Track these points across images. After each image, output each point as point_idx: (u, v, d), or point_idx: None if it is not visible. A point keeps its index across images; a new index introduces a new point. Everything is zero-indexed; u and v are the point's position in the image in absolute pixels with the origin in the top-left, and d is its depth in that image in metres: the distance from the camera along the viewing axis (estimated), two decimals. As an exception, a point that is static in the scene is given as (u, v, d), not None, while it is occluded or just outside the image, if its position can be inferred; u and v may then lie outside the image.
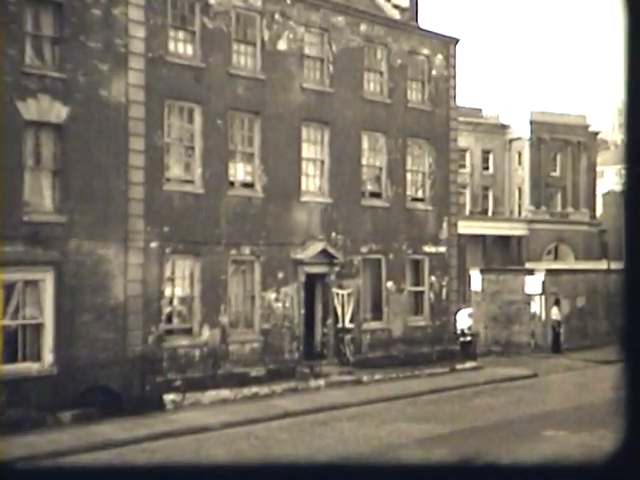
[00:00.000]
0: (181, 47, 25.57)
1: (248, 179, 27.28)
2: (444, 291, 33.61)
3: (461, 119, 44.72)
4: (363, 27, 30.89)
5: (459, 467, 3.77)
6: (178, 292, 25.22)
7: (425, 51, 33.26)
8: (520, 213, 69.09)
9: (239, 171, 27.12)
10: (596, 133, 75.30)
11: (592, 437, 18.21)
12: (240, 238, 26.53)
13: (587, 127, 72.36)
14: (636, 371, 3.69)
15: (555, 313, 37.95)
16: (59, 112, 21.84)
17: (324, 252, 28.80)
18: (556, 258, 67.80)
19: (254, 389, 24.76)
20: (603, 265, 53.90)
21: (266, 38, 27.54)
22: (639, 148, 3.65)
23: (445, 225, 33.80)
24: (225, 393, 24.05)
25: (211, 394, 23.72)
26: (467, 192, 65.92)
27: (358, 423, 20.55)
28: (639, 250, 3.67)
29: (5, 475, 3.71)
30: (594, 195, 72.86)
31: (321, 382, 26.51)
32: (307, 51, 29.07)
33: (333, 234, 29.38)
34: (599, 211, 73.86)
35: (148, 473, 3.72)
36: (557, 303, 38.14)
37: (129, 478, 3.70)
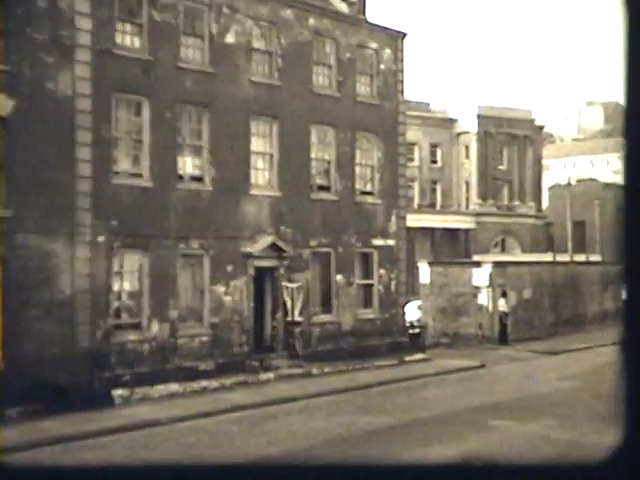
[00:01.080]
0: (129, 40, 25.37)
1: (197, 172, 27.19)
2: (393, 284, 33.86)
3: (409, 113, 45.02)
4: (312, 21, 30.94)
5: (459, 467, 3.79)
6: (126, 286, 25.08)
7: (373, 45, 33.42)
8: (468, 206, 69.78)
9: (188, 164, 27.02)
10: (541, 127, 76.29)
11: (538, 426, 18.56)
12: (189, 232, 26.44)
13: (533, 121, 73.30)
14: (635, 371, 3.72)
15: (502, 305, 38.47)
16: (4, 105, 21.53)
17: (273, 246, 28.84)
18: (503, 251, 68.64)
19: (203, 383, 24.73)
20: (549, 257, 54.77)
21: (214, 31, 27.45)
22: (639, 148, 3.66)
23: (394, 218, 34.04)
24: (174, 387, 23.98)
25: (160, 388, 23.64)
26: (416, 186, 66.39)
27: (307, 416, 20.66)
28: (638, 250, 3.66)
29: (5, 475, 3.70)
30: (540, 188, 73.86)
31: (270, 375, 26.57)
32: (255, 44, 29.04)
33: (282, 228, 29.43)
34: (545, 204, 74.89)
35: (148, 473, 3.73)
36: (504, 295, 38.66)
37: (129, 478, 3.70)
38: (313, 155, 31.15)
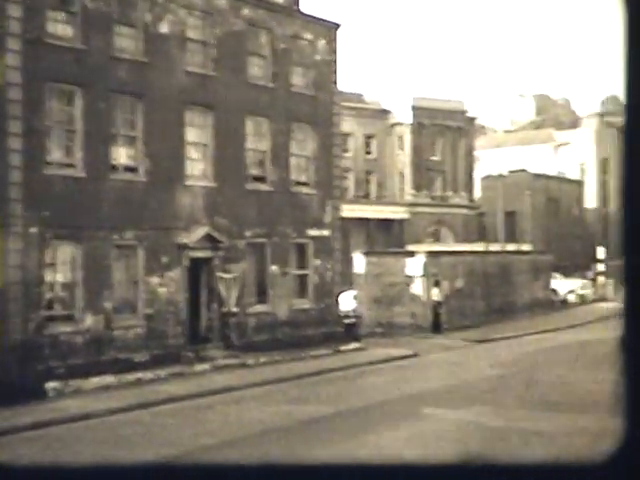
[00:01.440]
0: (61, 28, 25.02)
1: (131, 163, 26.99)
2: (328, 274, 34.08)
3: (344, 104, 45.26)
4: (246, 11, 30.88)
5: (459, 467, 3.77)
6: (59, 278, 24.81)
7: (308, 36, 33.51)
8: (402, 197, 70.39)
9: (122, 155, 26.80)
10: (473, 118, 77.27)
11: (469, 413, 18.93)
12: (123, 223, 26.25)
13: (465, 112, 74.19)
14: (635, 371, 3.74)
15: (435, 294, 38.98)
16: None
17: (208, 236, 28.79)
18: (436, 240, 69.42)
19: (138, 375, 24.60)
20: (481, 247, 55.58)
21: (148, 21, 27.24)
22: (638, 149, 3.66)
23: (329, 209, 34.24)
24: (109, 379, 23.81)
25: (94, 381, 23.45)
26: (351, 176, 66.74)
27: (243, 406, 20.74)
28: (638, 251, 3.67)
29: (5, 475, 3.69)
30: (472, 179, 74.87)
31: (206, 366, 26.57)
32: (190, 34, 28.89)
33: (217, 218, 29.38)
34: (477, 194, 75.94)
35: (148, 473, 3.76)
36: (437, 284, 39.17)
37: (129, 478, 3.72)
38: (248, 146, 31.14)
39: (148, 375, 24.67)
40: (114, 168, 26.31)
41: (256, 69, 31.63)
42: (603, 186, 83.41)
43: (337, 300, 35.04)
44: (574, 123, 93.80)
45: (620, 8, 3.56)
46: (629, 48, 3.58)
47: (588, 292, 59.04)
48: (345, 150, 60.33)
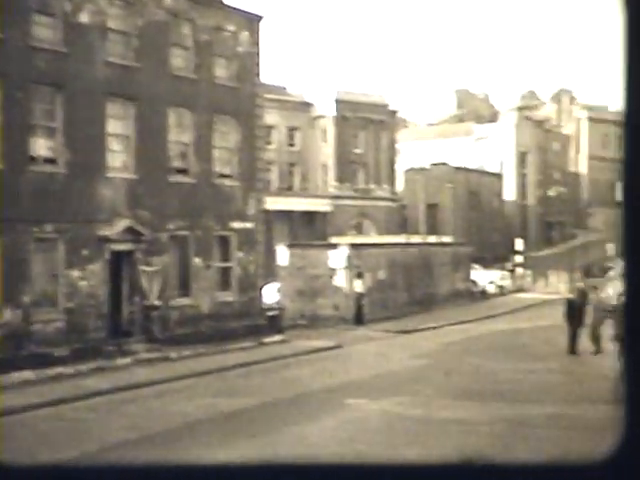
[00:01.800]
0: (-24, 16, 24.46)
1: (51, 155, 26.56)
2: (251, 266, 34.10)
3: (267, 96, 45.22)
4: (168, 1, 30.64)
5: (459, 467, 3.74)
6: (-24, 272, 24.28)
7: (231, 27, 33.40)
8: (325, 189, 70.70)
9: (41, 146, 26.35)
10: (395, 112, 77.97)
11: (392, 403, 19.21)
12: (43, 215, 25.83)
13: (387, 106, 74.81)
14: (636, 371, 3.75)
15: (358, 286, 39.32)
16: None
17: (130, 229, 28.54)
18: (359, 233, 69.94)
19: (59, 369, 24.24)
20: (403, 239, 56.19)
21: (68, 10, 26.80)
22: (638, 150, 3.65)
23: (252, 201, 34.24)
24: (28, 374, 23.41)
25: (13, 376, 23.03)
26: (274, 169, 66.76)
27: (166, 400, 20.67)
28: (638, 250, 3.66)
29: (5, 475, 3.63)
30: (394, 172, 75.61)
31: (128, 360, 26.34)
32: (111, 24, 28.53)
33: (139, 211, 29.13)
34: (400, 187, 76.74)
35: (148, 473, 3.73)
36: (360, 276, 39.52)
37: (129, 478, 3.69)
38: (171, 138, 30.93)
39: (69, 370, 24.33)
40: (33, 160, 25.86)
41: (178, 60, 31.41)
42: (521, 179, 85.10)
43: (261, 292, 35.08)
44: (494, 117, 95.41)
45: (620, 8, 3.56)
46: (629, 48, 3.57)
47: (507, 283, 60.26)
48: (268, 142, 60.31)
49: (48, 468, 3.93)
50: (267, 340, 31.73)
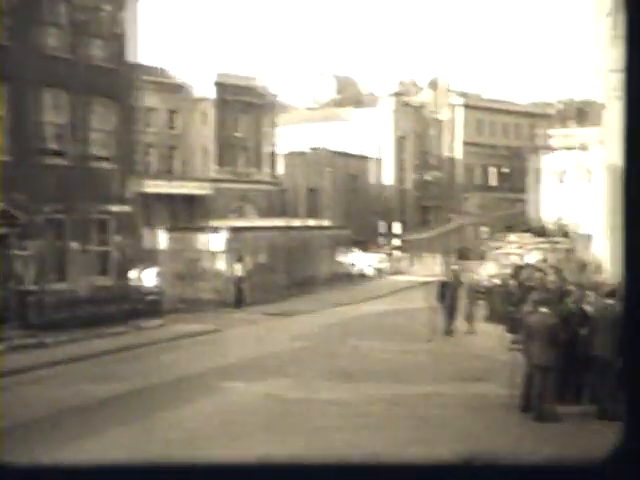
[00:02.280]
0: None
1: None
2: (130, 250, 33.69)
3: (147, 78, 44.64)
4: (43, -21, 29.84)
5: (459, 467, 3.75)
6: None
7: (108, 7, 32.81)
8: (206, 173, 70.30)
9: None
10: (276, 95, 78.12)
11: (270, 386, 19.42)
12: None
13: (267, 89, 74.85)
14: (635, 371, 3.79)
15: (238, 269, 39.39)
16: None
17: (3, 212, 27.77)
18: (240, 216, 69.91)
19: None
20: (283, 223, 56.48)
21: None
22: (638, 151, 3.63)
23: (131, 184, 33.80)
24: None
25: None
26: (154, 152, 65.94)
27: (42, 386, 20.31)
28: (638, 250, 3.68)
29: (5, 474, 3.54)
30: (275, 155, 75.79)
31: (1, 347, 25.69)
32: (-18, 1, 27.61)
33: (13, 193, 28.35)
34: (280, 171, 76.99)
35: (148, 473, 3.68)
36: (240, 260, 39.59)
37: (129, 478, 3.65)
38: (46, 119, 30.21)
39: (-63, 358, 23.58)
40: None
41: (53, 40, 30.64)
42: (400, 164, 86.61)
43: (139, 277, 34.74)
44: (373, 102, 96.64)
45: (620, 9, 3.65)
46: (629, 48, 3.59)
47: (385, 266, 61.42)
48: (148, 125, 59.54)
49: (48, 468, 3.91)
50: (145, 324, 31.44)
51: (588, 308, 16.94)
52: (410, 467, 4.02)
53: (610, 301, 15.72)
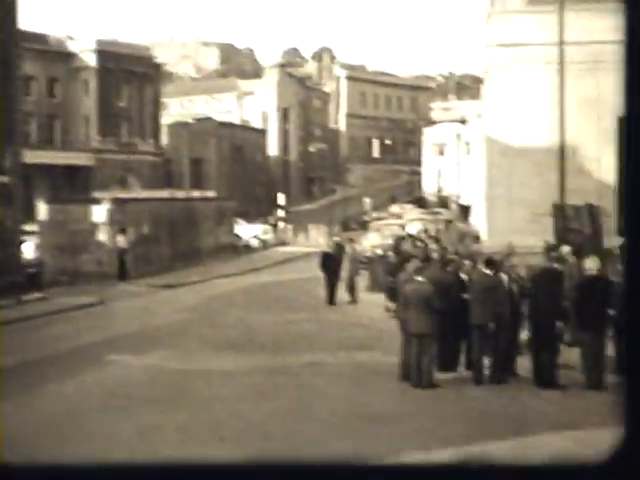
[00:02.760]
0: None
1: None
2: (9, 222, 32.92)
3: (26, 45, 43.41)
4: None
5: (459, 467, 3.76)
6: None
7: (-16, -28, 31.74)
8: (88, 143, 69.02)
9: None
10: (160, 65, 77.16)
11: (153, 358, 19.49)
12: None
13: (152, 58, 73.86)
14: (635, 371, 3.82)
15: (121, 241, 39.02)
16: None
17: None
18: (123, 187, 69.03)
19: None
20: (167, 194, 56.21)
21: None
22: (638, 150, 3.63)
23: (9, 155, 32.96)
24: None
25: None
26: (33, 121, 64.24)
27: None
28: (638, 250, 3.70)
29: (5, 475, 3.52)
30: (159, 126, 74.96)
31: None
32: None
33: None
34: (164, 141, 76.26)
35: (148, 473, 3.70)
36: (123, 231, 39.22)
37: (130, 477, 3.67)
38: None
39: None
40: None
41: None
42: (284, 135, 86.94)
43: (19, 249, 34.01)
44: (257, 73, 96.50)
45: (620, 9, 3.62)
46: (629, 48, 3.59)
47: (270, 237, 61.80)
48: (27, 94, 57.94)
49: (48, 468, 3.97)
50: (26, 298, 30.89)
51: (465, 277, 17.60)
52: (410, 467, 4.11)
53: (486, 270, 16.42)
